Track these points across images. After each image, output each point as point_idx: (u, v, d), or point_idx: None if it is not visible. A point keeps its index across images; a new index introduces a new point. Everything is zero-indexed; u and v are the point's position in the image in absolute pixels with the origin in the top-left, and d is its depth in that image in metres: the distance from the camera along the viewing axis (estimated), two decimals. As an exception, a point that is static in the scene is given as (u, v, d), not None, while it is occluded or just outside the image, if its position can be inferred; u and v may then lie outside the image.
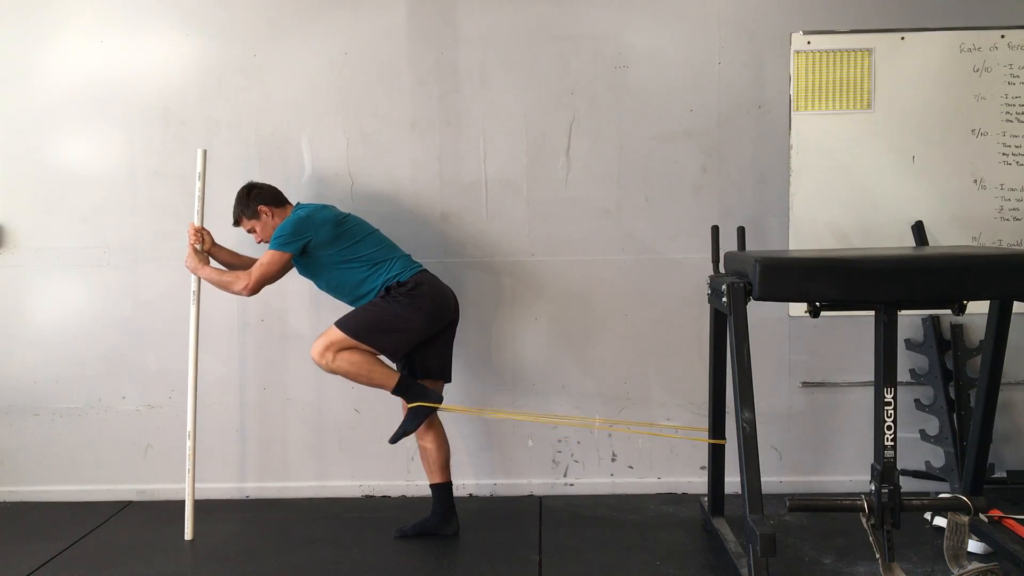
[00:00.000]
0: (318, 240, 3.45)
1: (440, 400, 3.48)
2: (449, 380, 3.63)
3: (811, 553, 3.32)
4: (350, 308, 3.55)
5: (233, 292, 3.50)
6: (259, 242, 3.60)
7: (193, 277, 3.58)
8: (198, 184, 3.60)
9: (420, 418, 3.45)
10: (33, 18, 3.96)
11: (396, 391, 3.43)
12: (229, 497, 4.06)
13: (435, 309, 3.47)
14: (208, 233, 3.62)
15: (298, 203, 3.63)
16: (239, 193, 3.59)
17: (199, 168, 3.60)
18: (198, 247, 3.57)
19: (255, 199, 3.56)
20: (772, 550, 2.72)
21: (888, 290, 2.84)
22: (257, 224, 3.57)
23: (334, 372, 3.40)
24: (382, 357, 3.47)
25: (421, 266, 3.57)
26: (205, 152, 3.63)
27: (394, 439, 3.50)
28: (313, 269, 3.53)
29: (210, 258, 3.62)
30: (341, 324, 3.40)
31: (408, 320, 3.40)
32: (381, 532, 3.61)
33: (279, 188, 3.65)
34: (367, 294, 3.48)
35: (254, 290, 3.47)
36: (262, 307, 4.00)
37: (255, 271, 3.45)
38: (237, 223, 3.62)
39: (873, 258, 2.91)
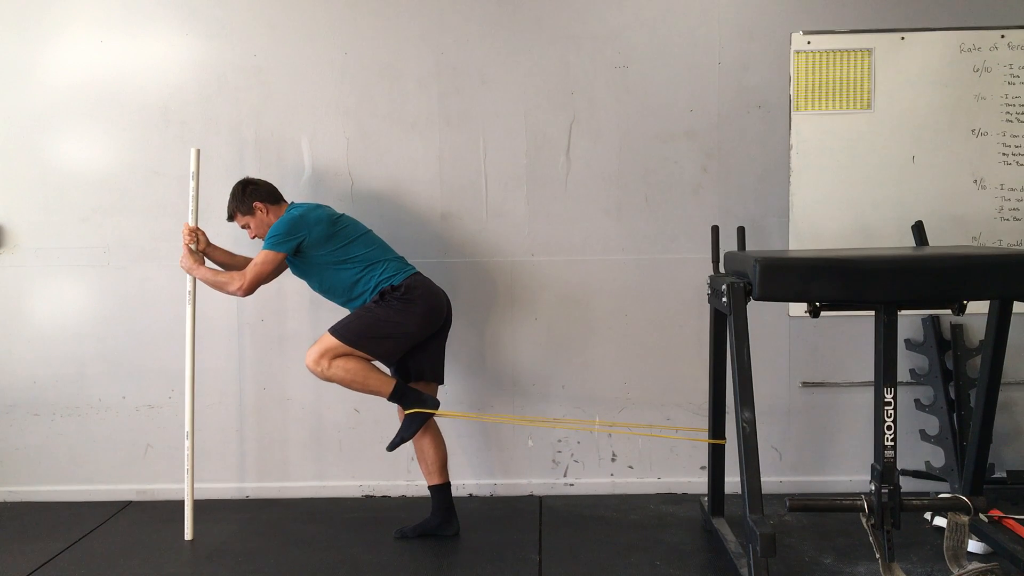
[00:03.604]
0: (311, 239, 3.43)
1: (437, 405, 3.47)
2: (442, 382, 3.62)
3: (811, 553, 3.32)
4: (346, 310, 3.55)
5: (228, 292, 3.48)
6: (253, 238, 3.60)
7: (188, 277, 3.58)
8: (192, 184, 3.60)
9: (417, 424, 3.44)
10: (33, 18, 3.96)
11: (392, 398, 3.42)
12: (229, 497, 4.06)
13: (429, 312, 3.46)
14: (203, 233, 3.61)
15: (292, 202, 3.62)
16: (234, 188, 3.58)
17: (192, 167, 3.59)
18: (193, 247, 3.56)
19: (250, 195, 3.54)
20: (772, 550, 2.72)
21: (888, 290, 2.84)
22: (252, 220, 3.56)
23: (329, 380, 3.38)
24: (377, 363, 3.46)
25: (414, 269, 3.56)
26: (199, 151, 3.62)
27: (392, 446, 3.49)
28: (306, 269, 3.53)
29: (206, 258, 3.62)
30: (335, 331, 3.38)
31: (403, 324, 3.40)
32: (381, 532, 3.61)
33: (277, 187, 3.65)
34: (359, 296, 3.48)
35: (249, 290, 3.46)
36: (261, 307, 4.00)
37: (249, 271, 3.44)
38: (231, 218, 3.61)
39: (873, 258, 2.91)
